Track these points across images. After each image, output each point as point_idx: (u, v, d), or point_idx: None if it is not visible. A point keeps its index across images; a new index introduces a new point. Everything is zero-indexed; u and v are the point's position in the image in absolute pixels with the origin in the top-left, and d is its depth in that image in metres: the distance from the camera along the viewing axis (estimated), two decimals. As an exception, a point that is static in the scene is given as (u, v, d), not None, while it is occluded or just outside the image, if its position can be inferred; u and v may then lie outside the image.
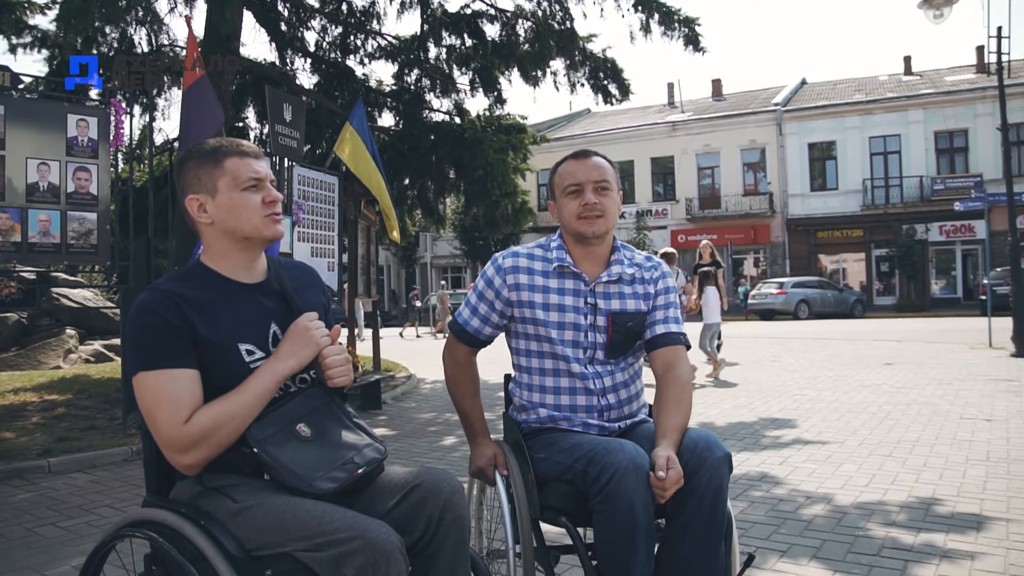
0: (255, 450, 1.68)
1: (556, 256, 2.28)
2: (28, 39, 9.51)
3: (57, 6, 7.98)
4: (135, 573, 1.79)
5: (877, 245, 29.83)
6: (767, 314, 25.45)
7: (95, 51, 9.15)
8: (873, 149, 30.19)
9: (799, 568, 3.13)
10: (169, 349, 1.68)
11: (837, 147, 30.71)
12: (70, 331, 13.47)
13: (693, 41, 10.05)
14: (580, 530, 2.05)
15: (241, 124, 11.43)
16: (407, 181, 12.43)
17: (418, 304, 27.38)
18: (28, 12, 10.00)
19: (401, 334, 23.86)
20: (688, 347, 2.29)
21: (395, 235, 8.73)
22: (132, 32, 9.93)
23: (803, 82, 35.99)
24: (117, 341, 13.56)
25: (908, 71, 33.77)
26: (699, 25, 9.98)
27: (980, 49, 28.17)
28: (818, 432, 5.93)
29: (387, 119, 12.24)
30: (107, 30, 9.10)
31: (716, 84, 37.59)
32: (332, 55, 11.59)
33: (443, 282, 29.89)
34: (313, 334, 1.78)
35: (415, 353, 14.71)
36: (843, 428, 6.04)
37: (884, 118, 29.93)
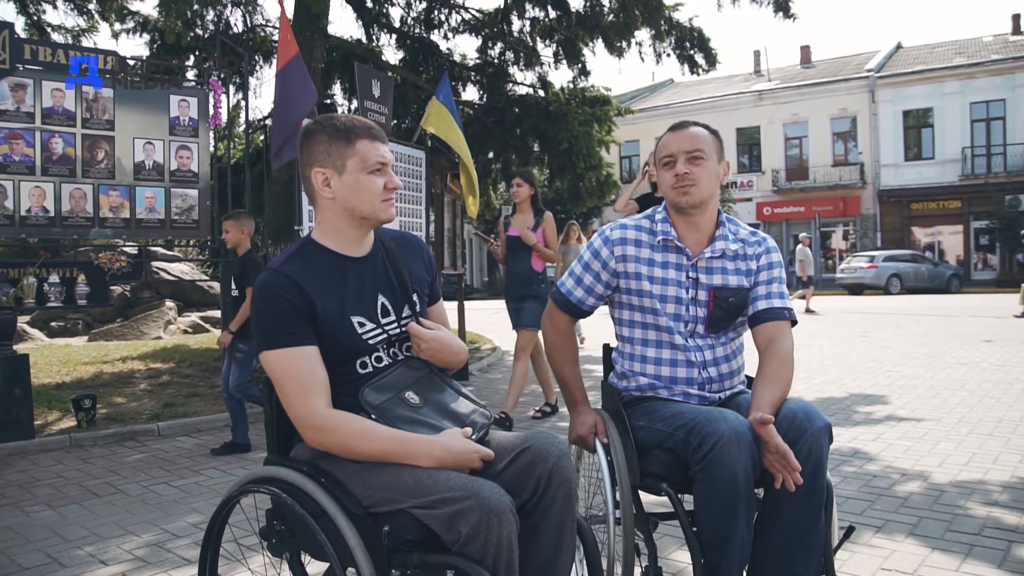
0: (373, 416, 1.77)
1: (660, 229, 2.29)
2: (131, 24, 9.93)
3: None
4: (259, 525, 1.91)
5: (976, 217, 28.39)
6: (856, 288, 24.59)
7: (193, 33, 9.48)
8: (974, 116, 28.62)
9: (895, 544, 3.08)
10: (290, 329, 1.78)
11: (934, 114, 29.24)
12: (169, 303, 14.13)
13: (783, 7, 9.76)
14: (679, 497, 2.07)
15: (329, 101, 11.68)
16: (491, 154, 12.51)
17: None
18: (130, -2, 10.44)
19: None
20: (794, 322, 2.25)
21: (472, 210, 8.59)
22: (228, 14, 10.26)
23: (898, 46, 34.36)
24: (212, 313, 14.18)
25: (1016, 30, 31.74)
26: (790, -10, 9.68)
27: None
28: (913, 409, 5.78)
29: (471, 93, 12.32)
30: (204, 12, 9.41)
31: (805, 51, 36.28)
32: (416, 30, 11.70)
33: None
34: (470, 460, 1.74)
35: (494, 325, 14.80)
36: (940, 406, 5.86)
37: (987, 82, 28.29)
